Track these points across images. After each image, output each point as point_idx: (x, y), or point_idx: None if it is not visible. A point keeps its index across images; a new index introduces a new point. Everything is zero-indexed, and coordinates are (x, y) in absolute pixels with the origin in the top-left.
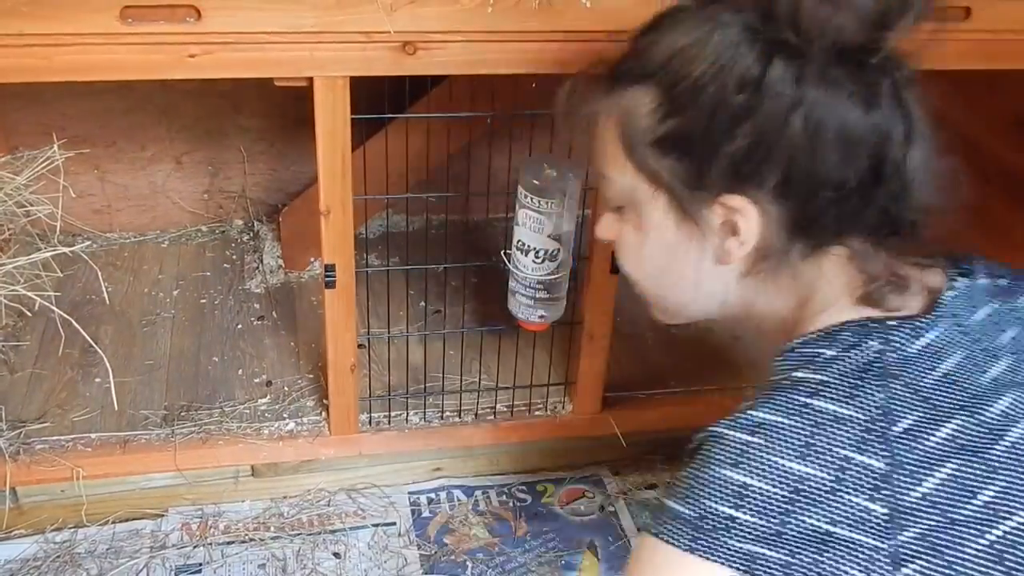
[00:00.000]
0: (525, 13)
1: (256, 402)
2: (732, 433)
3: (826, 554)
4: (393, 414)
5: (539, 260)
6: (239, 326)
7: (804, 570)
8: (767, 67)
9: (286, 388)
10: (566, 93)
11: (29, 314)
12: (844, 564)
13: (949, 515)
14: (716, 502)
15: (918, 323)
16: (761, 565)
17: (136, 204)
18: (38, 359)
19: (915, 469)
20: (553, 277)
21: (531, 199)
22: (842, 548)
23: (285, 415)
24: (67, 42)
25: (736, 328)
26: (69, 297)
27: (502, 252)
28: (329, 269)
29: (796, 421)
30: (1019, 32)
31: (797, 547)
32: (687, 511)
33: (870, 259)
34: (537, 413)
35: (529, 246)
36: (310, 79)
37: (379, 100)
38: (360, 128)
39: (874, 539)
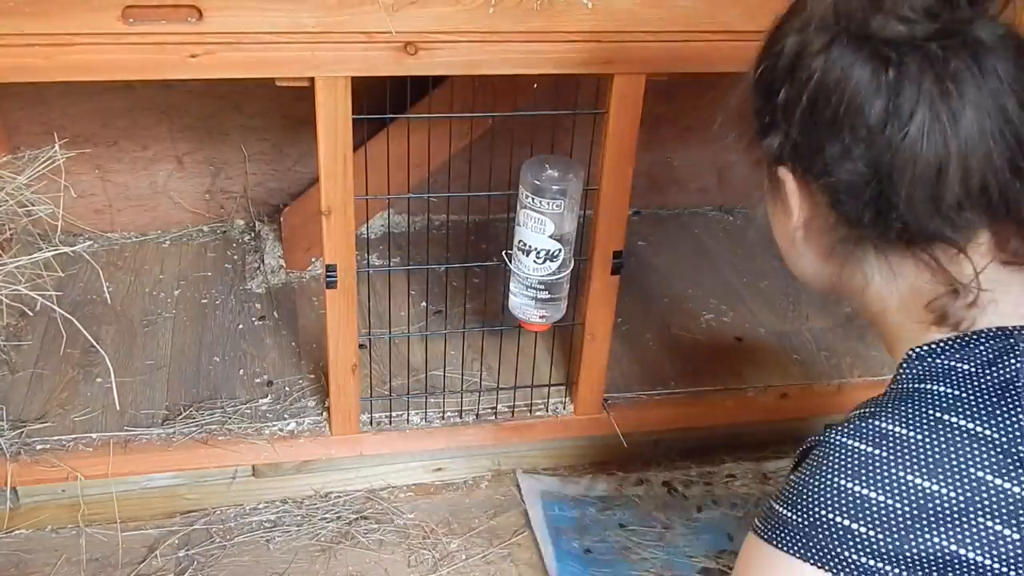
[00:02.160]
0: (526, 13)
1: (257, 402)
2: (852, 443)
3: (949, 573)
4: (394, 414)
5: (540, 260)
6: (240, 326)
7: None
8: (791, 41)
9: (287, 388)
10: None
11: (31, 314)
12: None
13: None
14: (830, 511)
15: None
16: None
17: (137, 204)
18: (39, 359)
19: None
20: (554, 277)
21: (532, 199)
22: (968, 573)
23: (286, 415)
24: (69, 42)
25: (860, 312)
26: (70, 297)
27: (503, 252)
28: (330, 269)
29: (927, 436)
30: None
31: (919, 565)
32: (796, 518)
33: (954, 265)
34: (538, 413)
35: (530, 246)
36: (311, 79)
37: (380, 100)
38: (361, 128)
39: (1005, 567)
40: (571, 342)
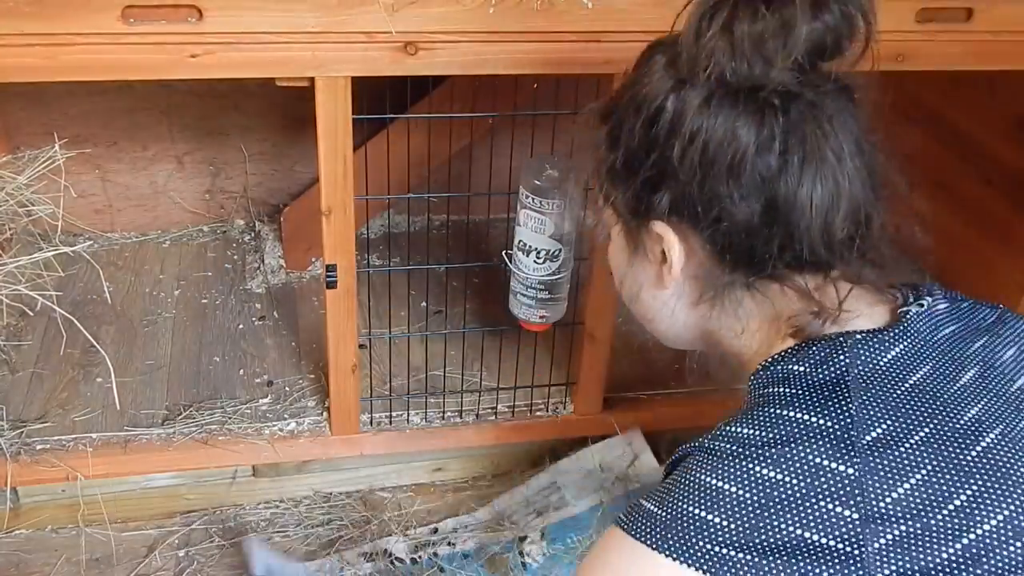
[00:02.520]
0: (527, 13)
1: (257, 402)
2: (710, 443)
3: (798, 560)
4: (394, 414)
5: (540, 260)
6: (240, 326)
7: (774, 574)
8: (666, 100)
9: (287, 388)
10: (576, 127)
11: (31, 313)
12: (816, 570)
13: (922, 520)
14: (690, 504)
15: (885, 337)
16: (730, 568)
17: (137, 204)
18: (39, 359)
19: (887, 475)
20: (554, 277)
21: (533, 199)
22: (815, 554)
23: (286, 415)
24: (69, 42)
25: (721, 358)
26: (70, 297)
27: (503, 252)
28: (330, 269)
29: (770, 432)
30: (1020, 33)
31: (768, 551)
32: (660, 511)
33: (820, 291)
34: (538, 413)
35: (531, 246)
36: (311, 79)
37: (380, 100)
38: (361, 128)
39: (847, 545)
40: (571, 342)
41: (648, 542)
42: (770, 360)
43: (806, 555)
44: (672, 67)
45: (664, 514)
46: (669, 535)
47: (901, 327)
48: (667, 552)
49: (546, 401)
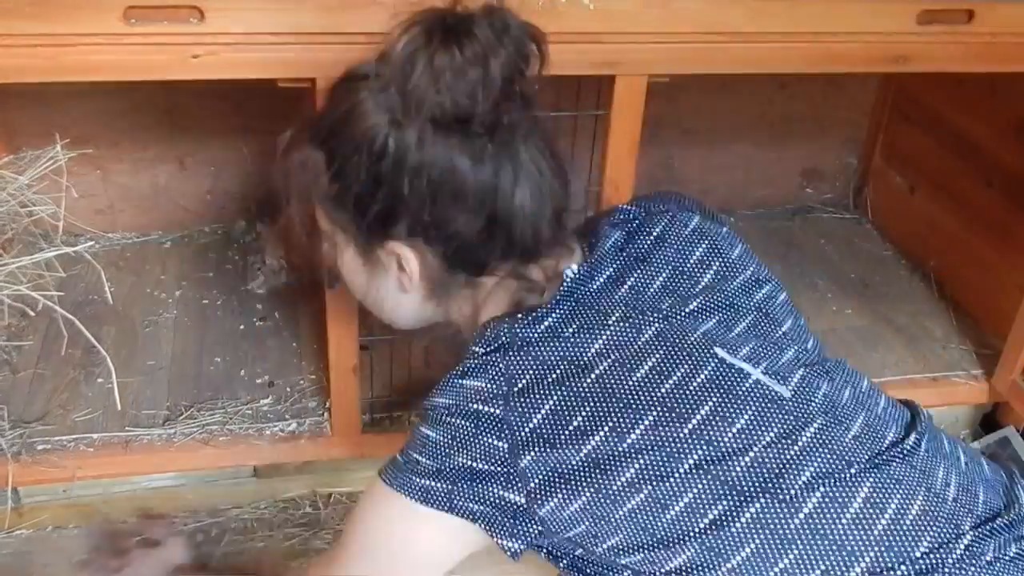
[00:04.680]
0: (528, 14)
1: (258, 403)
2: (427, 402)
3: (475, 483)
4: (395, 415)
5: None
6: (241, 327)
7: (462, 495)
8: (387, 139)
9: (288, 389)
10: (281, 144)
11: (32, 314)
12: (489, 486)
13: (549, 441)
14: (410, 450)
15: (538, 313)
16: (432, 495)
17: (139, 204)
18: (40, 359)
19: (523, 411)
20: None
21: None
22: (484, 477)
23: (287, 416)
24: (70, 42)
25: (448, 330)
26: (72, 297)
27: None
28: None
29: (456, 391)
30: (1021, 35)
31: (455, 479)
32: (400, 458)
33: (517, 275)
34: None
35: None
36: (313, 80)
37: None
38: None
39: (504, 467)
40: None
41: (386, 481)
42: (472, 338)
43: (479, 478)
44: (384, 106)
45: (401, 459)
46: (398, 474)
47: (556, 300)
48: (396, 487)
49: None
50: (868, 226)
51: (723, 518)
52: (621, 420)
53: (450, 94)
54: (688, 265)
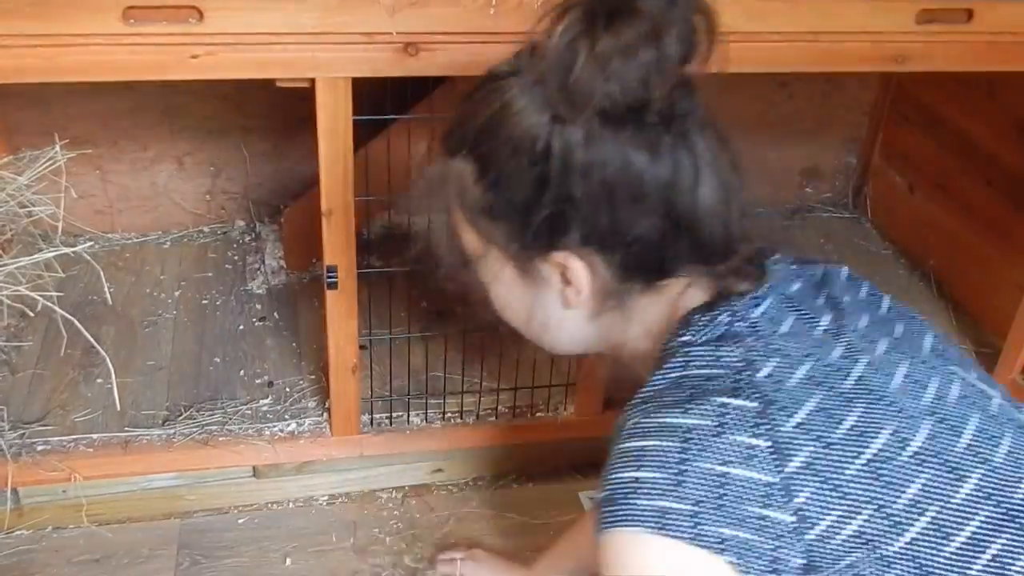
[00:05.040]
0: (527, 14)
1: (258, 403)
2: (623, 414)
3: (726, 496)
4: (395, 415)
5: None
6: (241, 327)
7: (710, 516)
8: (550, 138)
9: (287, 389)
10: (425, 155)
11: (31, 314)
12: (744, 503)
13: (823, 440)
14: (620, 471)
15: (754, 296)
16: (671, 519)
17: (138, 205)
18: (40, 359)
19: (785, 404)
20: None
21: None
22: (739, 487)
23: (287, 416)
24: (69, 43)
25: (619, 357)
26: (71, 298)
27: None
28: (331, 270)
29: (676, 390)
30: (1020, 35)
31: (698, 492)
32: (605, 494)
33: (702, 280)
34: (539, 414)
35: None
36: (312, 80)
37: (381, 101)
38: (362, 129)
39: (765, 474)
40: None
41: (606, 524)
42: (661, 347)
43: (731, 489)
44: (541, 102)
45: (607, 493)
46: (615, 508)
47: (763, 288)
48: (620, 524)
49: (547, 402)
50: (867, 225)
51: (1003, 555)
52: (902, 425)
53: (620, 82)
54: (862, 294)
